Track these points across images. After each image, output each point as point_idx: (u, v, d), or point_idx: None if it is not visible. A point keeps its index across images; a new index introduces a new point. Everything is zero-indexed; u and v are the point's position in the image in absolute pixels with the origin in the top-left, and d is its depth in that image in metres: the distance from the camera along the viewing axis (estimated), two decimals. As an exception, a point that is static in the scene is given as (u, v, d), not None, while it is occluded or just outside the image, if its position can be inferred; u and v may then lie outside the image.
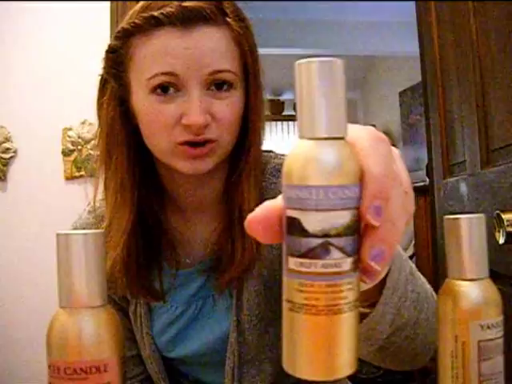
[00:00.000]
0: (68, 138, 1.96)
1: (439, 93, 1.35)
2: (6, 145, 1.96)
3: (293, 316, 0.30)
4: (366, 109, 5.72)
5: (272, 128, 5.68)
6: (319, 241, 0.29)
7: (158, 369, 0.77)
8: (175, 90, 0.65)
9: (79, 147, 1.96)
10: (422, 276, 0.63)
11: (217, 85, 0.66)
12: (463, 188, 1.18)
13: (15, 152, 1.97)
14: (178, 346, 0.77)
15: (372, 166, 0.30)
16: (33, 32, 1.98)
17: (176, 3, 0.63)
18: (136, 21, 0.64)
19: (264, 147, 0.76)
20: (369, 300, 0.51)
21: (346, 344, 0.30)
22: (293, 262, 0.30)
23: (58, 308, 0.38)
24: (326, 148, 0.29)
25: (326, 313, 0.29)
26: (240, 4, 0.69)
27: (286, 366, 0.31)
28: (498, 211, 0.90)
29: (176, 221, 0.77)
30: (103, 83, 0.71)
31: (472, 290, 0.43)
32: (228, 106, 0.66)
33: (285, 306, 0.31)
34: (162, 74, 0.64)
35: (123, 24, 0.67)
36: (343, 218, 0.29)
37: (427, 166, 1.59)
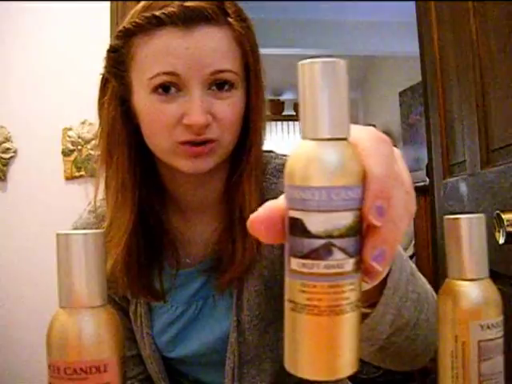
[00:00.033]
0: (68, 138, 1.96)
1: (439, 93, 1.35)
2: (6, 145, 1.96)
3: (295, 316, 0.30)
4: (366, 109, 5.72)
5: (272, 128, 5.68)
6: (322, 242, 0.29)
7: (158, 369, 0.77)
8: (176, 90, 0.65)
9: (79, 147, 1.96)
10: (422, 276, 0.63)
11: (218, 85, 0.66)
12: (463, 188, 1.18)
13: (15, 152, 1.97)
14: (178, 346, 0.77)
15: (374, 166, 0.30)
16: (33, 32, 1.98)
17: (178, 3, 0.63)
18: (138, 20, 0.64)
19: (264, 147, 0.76)
20: (369, 300, 0.51)
21: (347, 344, 0.30)
22: (295, 263, 0.30)
23: (57, 308, 0.38)
24: (329, 149, 0.29)
25: (328, 313, 0.29)
26: (240, 4, 0.69)
27: (288, 366, 0.31)
28: (497, 211, 0.90)
29: (177, 221, 0.77)
30: (104, 82, 0.71)
31: (472, 290, 0.43)
32: (229, 106, 0.66)
33: (287, 306, 0.31)
34: (164, 73, 0.64)
35: (125, 23, 0.67)
36: (346, 218, 0.29)
37: (427, 166, 1.59)
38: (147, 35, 0.64)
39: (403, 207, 0.31)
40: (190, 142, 0.65)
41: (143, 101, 0.67)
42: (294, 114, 5.70)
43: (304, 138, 0.30)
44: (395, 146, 0.33)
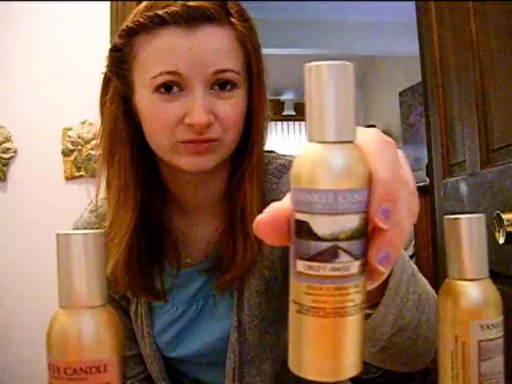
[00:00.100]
0: (68, 138, 1.96)
1: (439, 93, 1.35)
2: (6, 145, 1.96)
3: (300, 318, 0.30)
4: (366, 109, 5.72)
5: (272, 128, 5.68)
6: (328, 244, 0.29)
7: (158, 368, 0.77)
8: (179, 89, 0.65)
9: (79, 147, 1.96)
10: (423, 277, 0.63)
11: (220, 84, 0.66)
12: (463, 188, 1.18)
13: (15, 152, 1.97)
14: (179, 346, 0.77)
15: (379, 169, 0.30)
16: (33, 32, 1.98)
17: (180, 2, 0.63)
18: (140, 19, 0.64)
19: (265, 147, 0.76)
20: (371, 301, 0.51)
21: (351, 346, 0.30)
22: (301, 265, 0.30)
23: (58, 308, 0.38)
24: (336, 152, 0.29)
25: (333, 315, 0.29)
26: (242, 4, 0.69)
27: (292, 366, 0.31)
28: (497, 211, 0.90)
29: (178, 220, 0.77)
30: (106, 81, 0.71)
31: (472, 290, 0.43)
32: (231, 106, 0.66)
33: (292, 307, 0.31)
34: (166, 73, 0.64)
35: (127, 22, 0.67)
36: (352, 221, 0.29)
37: (427, 166, 1.59)
38: (150, 34, 0.64)
39: (408, 209, 0.31)
40: (192, 141, 0.65)
41: (145, 100, 0.67)
42: (294, 114, 5.70)
43: (310, 140, 0.30)
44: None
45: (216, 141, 0.66)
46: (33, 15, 1.97)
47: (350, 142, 0.30)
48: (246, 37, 0.67)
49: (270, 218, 0.31)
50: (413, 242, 3.45)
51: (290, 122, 5.86)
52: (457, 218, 0.43)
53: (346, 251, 0.29)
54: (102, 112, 0.72)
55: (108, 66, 0.70)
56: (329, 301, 0.29)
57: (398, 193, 0.30)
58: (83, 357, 0.36)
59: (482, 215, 0.44)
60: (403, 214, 0.31)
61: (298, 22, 4.05)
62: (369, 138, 0.32)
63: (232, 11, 0.66)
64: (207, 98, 0.65)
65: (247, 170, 0.71)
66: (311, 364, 0.30)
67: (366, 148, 0.31)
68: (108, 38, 1.85)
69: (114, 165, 0.70)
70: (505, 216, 0.88)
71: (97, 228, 0.75)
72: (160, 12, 0.63)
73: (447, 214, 0.65)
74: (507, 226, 0.88)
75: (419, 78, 1.57)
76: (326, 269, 0.29)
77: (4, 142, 1.96)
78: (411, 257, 3.30)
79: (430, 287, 0.63)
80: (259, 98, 0.70)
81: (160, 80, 0.64)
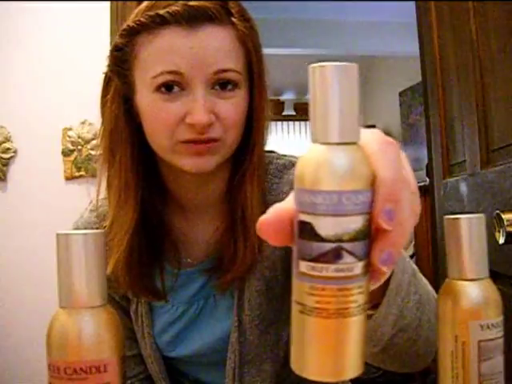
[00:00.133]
0: (68, 138, 1.96)
1: (439, 93, 1.35)
2: (6, 145, 1.96)
3: (303, 318, 0.30)
4: (366, 109, 5.72)
5: (272, 128, 5.66)
6: (332, 245, 0.29)
7: (158, 368, 0.77)
8: (180, 89, 0.65)
9: (79, 147, 1.96)
10: (423, 277, 0.63)
11: (221, 84, 0.66)
12: (463, 188, 1.18)
13: (15, 152, 1.97)
14: (179, 346, 0.77)
15: (382, 170, 0.30)
16: (33, 32, 1.98)
17: (182, 2, 0.63)
18: (141, 19, 0.65)
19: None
20: (372, 302, 0.51)
21: (354, 346, 0.30)
22: (304, 266, 0.30)
23: (58, 308, 0.38)
24: (340, 153, 0.29)
25: (336, 316, 0.29)
26: (243, 4, 0.69)
27: (294, 367, 0.31)
28: (497, 211, 0.90)
29: (178, 220, 0.77)
30: (107, 81, 0.71)
31: (472, 290, 0.43)
32: (232, 106, 0.66)
33: (295, 307, 0.31)
34: (167, 72, 0.64)
35: (129, 22, 0.67)
36: (356, 222, 0.29)
37: (427, 166, 1.59)
38: (151, 34, 0.64)
39: (411, 209, 0.31)
40: (193, 141, 0.65)
41: (146, 99, 0.67)
42: (294, 114, 5.70)
43: (314, 141, 0.30)
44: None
45: (217, 141, 0.66)
46: (33, 15, 1.97)
47: (354, 143, 0.30)
48: (247, 37, 0.67)
49: (274, 218, 0.31)
50: (413, 242, 3.45)
51: (290, 122, 5.85)
52: (457, 218, 0.43)
53: (349, 252, 0.29)
54: (102, 112, 0.72)
55: (109, 65, 0.70)
56: (332, 302, 0.29)
57: (400, 193, 0.30)
58: (83, 357, 0.36)
59: (481, 215, 0.44)
60: (406, 215, 0.31)
61: (298, 22, 4.05)
62: (371, 138, 0.32)
63: (233, 11, 0.66)
64: (208, 98, 0.65)
65: (248, 170, 0.71)
66: (314, 364, 0.30)
67: (368, 149, 0.31)
68: (108, 38, 1.85)
69: (114, 165, 0.70)
70: (505, 216, 0.88)
71: (97, 228, 0.75)
72: (161, 12, 0.63)
73: (447, 214, 0.65)
74: (507, 226, 0.88)
75: (419, 78, 1.57)
76: (329, 270, 0.29)
77: (4, 142, 1.96)
78: (411, 257, 3.30)
79: (430, 288, 0.63)
80: (260, 97, 0.70)
81: (161, 80, 0.64)
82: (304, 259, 0.30)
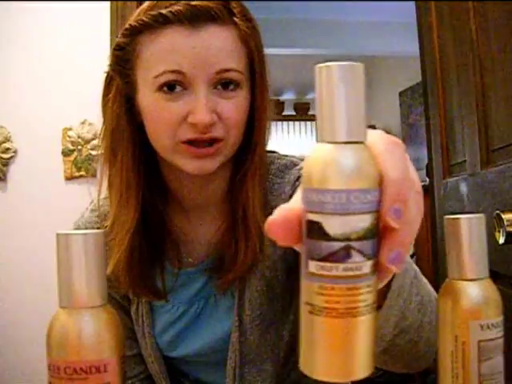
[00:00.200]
0: (68, 138, 1.96)
1: (439, 93, 1.35)
2: (6, 145, 1.96)
3: (312, 318, 0.30)
4: (366, 109, 5.72)
5: (272, 128, 5.66)
6: (341, 244, 0.29)
7: (158, 368, 0.77)
8: (182, 89, 0.65)
9: (79, 147, 1.96)
10: (424, 279, 0.63)
11: (223, 84, 0.66)
12: (463, 188, 1.18)
13: (15, 152, 1.97)
14: (180, 346, 0.77)
15: (390, 170, 0.30)
16: (33, 32, 1.98)
17: (184, 2, 0.63)
18: (144, 18, 0.64)
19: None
20: None
21: (363, 346, 0.30)
22: (313, 266, 0.30)
23: (58, 308, 0.38)
24: (347, 152, 0.29)
25: (345, 316, 0.29)
26: (245, 4, 0.69)
27: (303, 367, 0.31)
28: (497, 211, 0.90)
29: (179, 220, 0.77)
30: (109, 80, 0.71)
31: (472, 290, 0.43)
32: (234, 106, 0.66)
33: (304, 308, 0.31)
34: (169, 72, 0.64)
35: (131, 21, 0.67)
36: (364, 221, 0.29)
37: (427, 166, 1.59)
38: (153, 33, 0.64)
39: (417, 208, 0.32)
40: (195, 142, 0.65)
41: (148, 99, 0.66)
42: (295, 114, 5.70)
43: (321, 141, 0.30)
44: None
45: (220, 141, 0.66)
46: (33, 15, 1.97)
47: (361, 142, 0.30)
48: (249, 36, 0.67)
49: (282, 218, 0.32)
50: (413, 242, 3.45)
51: (290, 122, 5.85)
52: (457, 218, 0.43)
53: (358, 251, 0.29)
54: (104, 111, 0.72)
55: (111, 64, 0.70)
56: (341, 301, 0.29)
57: (408, 193, 0.31)
58: (83, 357, 0.36)
59: (481, 215, 0.44)
60: (413, 214, 0.31)
61: (299, 22, 4.05)
62: (378, 138, 0.32)
63: (235, 11, 0.66)
64: (210, 98, 0.65)
65: (249, 170, 0.71)
66: (323, 365, 0.30)
67: (375, 149, 0.31)
68: (108, 38, 1.85)
69: (116, 164, 0.70)
70: (505, 216, 0.88)
71: (98, 227, 0.75)
72: (164, 11, 0.63)
73: (447, 214, 0.65)
74: (507, 226, 0.88)
75: (419, 78, 1.57)
76: (338, 269, 0.29)
77: (4, 142, 1.96)
78: (411, 257, 3.30)
79: (431, 289, 0.63)
80: (262, 97, 0.70)
81: (163, 79, 0.64)
82: (313, 259, 0.30)
